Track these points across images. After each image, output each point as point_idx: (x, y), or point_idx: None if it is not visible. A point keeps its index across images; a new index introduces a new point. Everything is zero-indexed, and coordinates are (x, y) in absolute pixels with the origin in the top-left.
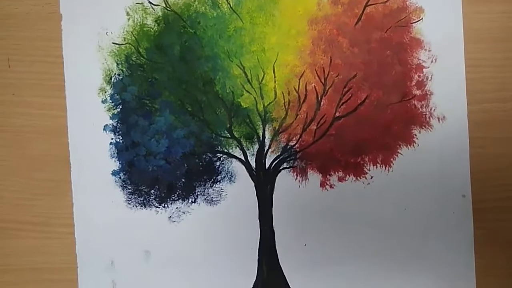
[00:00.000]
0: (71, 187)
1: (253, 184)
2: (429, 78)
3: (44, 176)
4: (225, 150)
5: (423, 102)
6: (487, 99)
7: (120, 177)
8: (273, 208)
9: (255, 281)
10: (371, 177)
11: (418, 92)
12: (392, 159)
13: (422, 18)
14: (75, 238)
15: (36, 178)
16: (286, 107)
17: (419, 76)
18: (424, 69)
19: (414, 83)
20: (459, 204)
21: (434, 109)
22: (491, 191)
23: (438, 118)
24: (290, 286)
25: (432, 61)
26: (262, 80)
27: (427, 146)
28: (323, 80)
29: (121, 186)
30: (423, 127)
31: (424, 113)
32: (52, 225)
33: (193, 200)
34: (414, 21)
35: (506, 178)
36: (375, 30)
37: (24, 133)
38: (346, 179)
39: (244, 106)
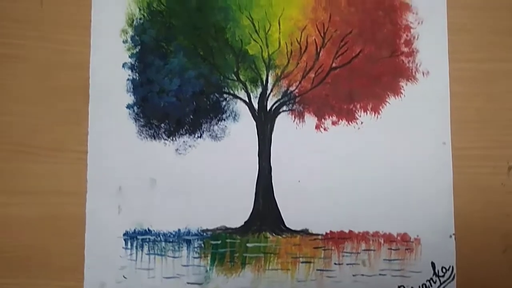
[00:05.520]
0: (88, 117)
1: (254, 123)
2: (416, 38)
3: (64, 106)
4: (231, 92)
5: (410, 58)
6: (466, 59)
7: (134, 110)
8: (271, 147)
9: (251, 212)
10: (361, 123)
11: (405, 49)
12: (380, 107)
13: None
14: (87, 164)
15: (56, 107)
16: (289, 56)
17: (407, 35)
18: (411, 30)
19: (402, 41)
20: (440, 151)
21: (420, 65)
22: (469, 140)
23: (423, 73)
24: (283, 217)
25: (418, 23)
26: (268, 31)
27: (412, 97)
28: (322, 34)
29: (134, 118)
30: (410, 80)
31: (410, 68)
32: (66, 151)
33: (199, 135)
34: None
35: (483, 129)
36: None
37: (49, 66)
38: (339, 123)
39: (251, 53)
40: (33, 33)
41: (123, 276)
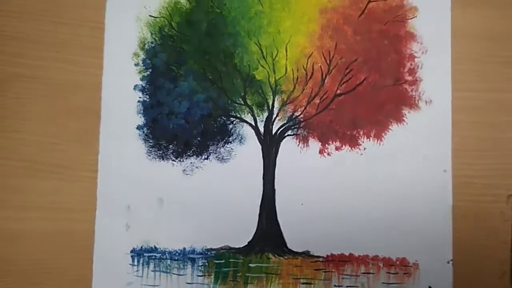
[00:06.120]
0: (99, 137)
1: (260, 147)
2: (420, 67)
3: (76, 125)
4: (238, 115)
5: (413, 87)
6: (468, 88)
7: (143, 132)
8: (275, 170)
9: (255, 233)
10: (364, 149)
11: (409, 78)
12: (383, 134)
13: (416, 16)
14: (97, 182)
15: (68, 126)
16: (295, 82)
17: (411, 64)
18: (415, 59)
19: (406, 70)
20: (440, 178)
21: (423, 94)
22: (470, 168)
23: (426, 102)
24: (285, 239)
25: (423, 52)
26: (275, 57)
27: (414, 125)
28: (328, 61)
29: (143, 139)
30: (412, 108)
31: (413, 96)
32: (78, 169)
33: (206, 157)
34: (409, 18)
35: (484, 158)
36: (376, 23)
37: (63, 87)
38: (342, 148)
39: (258, 78)
40: (48, 54)
41: None
